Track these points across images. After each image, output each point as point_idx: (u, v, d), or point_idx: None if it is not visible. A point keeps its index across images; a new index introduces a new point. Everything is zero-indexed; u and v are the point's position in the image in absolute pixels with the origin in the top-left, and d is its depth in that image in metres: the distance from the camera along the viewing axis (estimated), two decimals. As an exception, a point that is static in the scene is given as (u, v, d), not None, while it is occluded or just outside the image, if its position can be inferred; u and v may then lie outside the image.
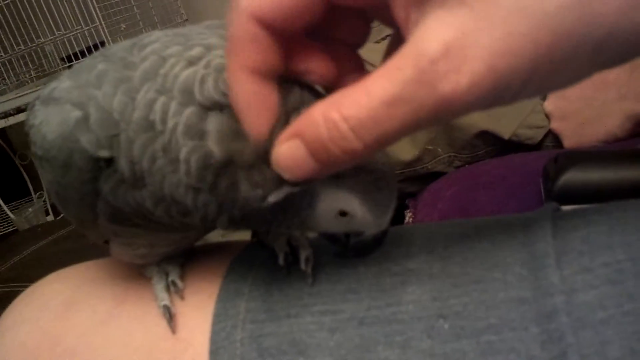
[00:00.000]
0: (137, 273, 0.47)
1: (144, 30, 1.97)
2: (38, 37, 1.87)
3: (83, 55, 1.77)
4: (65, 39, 1.85)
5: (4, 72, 1.92)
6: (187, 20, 2.09)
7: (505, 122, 0.96)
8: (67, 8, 1.80)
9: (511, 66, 0.26)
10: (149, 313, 0.44)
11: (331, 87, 0.35)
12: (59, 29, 1.84)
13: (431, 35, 0.27)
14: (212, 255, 0.48)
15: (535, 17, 0.25)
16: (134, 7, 1.98)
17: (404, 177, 1.01)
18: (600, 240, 0.35)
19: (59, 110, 0.37)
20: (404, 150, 0.99)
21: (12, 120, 1.84)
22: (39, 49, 1.92)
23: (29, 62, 1.96)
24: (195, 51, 0.35)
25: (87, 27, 1.81)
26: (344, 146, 0.28)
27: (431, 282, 0.38)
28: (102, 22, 1.77)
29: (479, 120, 0.96)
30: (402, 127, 0.28)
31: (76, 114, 0.36)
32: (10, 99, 1.82)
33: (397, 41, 0.31)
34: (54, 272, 0.52)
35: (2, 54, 1.90)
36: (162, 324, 0.43)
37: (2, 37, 1.87)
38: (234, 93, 0.31)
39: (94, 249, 0.48)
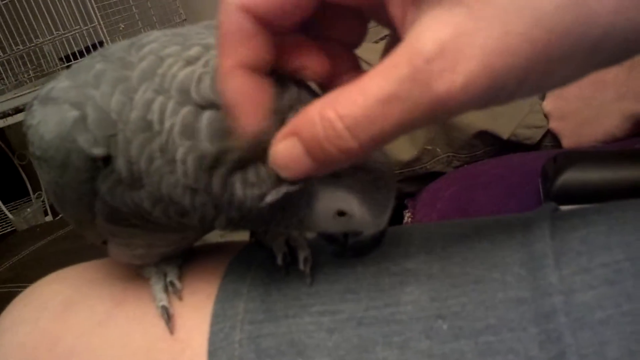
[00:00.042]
0: (135, 274, 0.47)
1: (142, 30, 1.97)
2: (37, 37, 1.87)
3: (82, 55, 1.77)
4: (63, 39, 1.85)
5: (2, 72, 1.92)
6: (185, 20, 2.09)
7: (503, 122, 0.96)
8: (66, 8, 1.80)
9: (507, 65, 0.26)
10: (147, 314, 0.44)
11: (326, 86, 0.35)
12: (57, 29, 1.84)
13: (427, 34, 0.27)
14: (210, 256, 0.48)
15: (531, 16, 0.25)
16: (133, 7, 1.98)
17: (403, 177, 1.01)
18: (599, 240, 0.35)
19: (57, 110, 0.36)
20: (403, 150, 0.99)
21: (10, 121, 1.84)
22: (37, 48, 1.92)
23: (28, 62, 1.96)
24: (194, 51, 0.35)
25: (86, 27, 1.81)
26: (340, 145, 0.28)
27: (430, 282, 0.38)
28: (101, 22, 1.77)
29: (477, 120, 0.96)
30: (398, 126, 0.28)
31: (74, 113, 0.36)
32: (8, 99, 1.82)
33: (394, 41, 0.31)
34: (53, 273, 0.52)
35: (1, 54, 1.90)
36: (161, 324, 0.42)
37: (1, 37, 1.87)
38: (224, 88, 0.31)
39: (93, 250, 0.48)
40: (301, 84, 0.35)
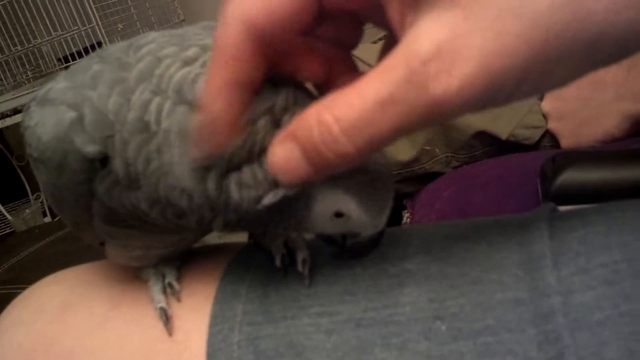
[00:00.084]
0: (133, 275, 0.47)
1: (141, 31, 1.97)
2: (35, 37, 1.87)
3: (80, 55, 1.77)
4: (62, 40, 1.85)
5: (0, 73, 1.92)
6: (184, 20, 2.09)
7: (502, 122, 0.96)
8: (64, 9, 1.79)
9: (505, 66, 0.26)
10: (146, 315, 0.43)
11: (323, 87, 0.35)
12: (56, 30, 1.84)
13: (423, 36, 0.26)
14: (209, 257, 0.48)
15: (527, 16, 0.25)
16: (131, 8, 1.98)
17: (402, 177, 1.01)
18: (597, 241, 0.35)
19: (54, 112, 0.36)
20: (402, 151, 0.99)
21: (9, 121, 1.84)
22: (35, 49, 1.92)
23: (26, 63, 1.96)
24: (191, 52, 0.35)
25: (84, 28, 1.81)
26: (336, 149, 0.28)
27: (428, 283, 0.38)
28: (99, 23, 1.77)
29: (476, 121, 0.96)
30: (395, 129, 0.27)
31: (71, 115, 0.36)
32: (7, 100, 1.82)
33: (391, 42, 0.30)
34: (51, 275, 0.52)
35: (-1, 54, 1.90)
36: (159, 326, 0.42)
37: (-1, 38, 1.87)
38: (208, 102, 0.31)
39: (92, 251, 0.48)
40: (297, 85, 0.34)
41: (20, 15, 1.83)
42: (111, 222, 0.40)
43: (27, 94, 1.79)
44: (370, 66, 0.28)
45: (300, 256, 0.42)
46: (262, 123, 0.32)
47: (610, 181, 0.61)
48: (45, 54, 1.97)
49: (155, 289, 0.44)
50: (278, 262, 0.42)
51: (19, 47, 1.89)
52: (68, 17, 1.81)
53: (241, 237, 0.49)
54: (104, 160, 0.36)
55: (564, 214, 0.40)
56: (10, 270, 1.10)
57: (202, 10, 2.17)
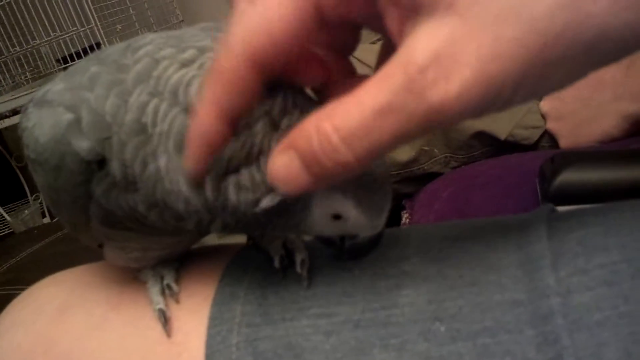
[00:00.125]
0: (131, 277, 0.47)
1: (139, 32, 1.96)
2: (34, 38, 1.87)
3: (79, 56, 1.77)
4: (60, 41, 1.84)
5: (-1, 73, 1.92)
6: (182, 21, 2.09)
7: (501, 122, 0.96)
8: (63, 9, 1.79)
9: (503, 71, 0.26)
10: (144, 317, 0.43)
11: (321, 91, 0.35)
12: (54, 31, 1.83)
13: (420, 44, 0.26)
14: (207, 258, 0.48)
15: (525, 20, 0.25)
16: (130, 9, 1.97)
17: (401, 177, 1.01)
18: (596, 241, 0.35)
19: (52, 113, 0.36)
20: (401, 151, 0.99)
21: (7, 122, 1.83)
22: (34, 50, 1.91)
23: (25, 64, 1.95)
24: (189, 53, 0.35)
25: (83, 29, 1.80)
26: (336, 158, 0.28)
27: (426, 284, 0.38)
28: (98, 24, 1.77)
29: (475, 121, 0.96)
30: (394, 137, 0.27)
31: (68, 116, 0.36)
32: (6, 101, 1.81)
33: (388, 45, 0.30)
34: (50, 276, 0.52)
35: (-2, 55, 1.90)
36: (157, 327, 0.42)
37: (-2, 39, 1.87)
38: (195, 127, 0.31)
39: (90, 252, 0.47)
40: (296, 89, 0.34)
41: (19, 16, 1.82)
42: (109, 224, 0.39)
43: (26, 94, 1.79)
44: (369, 67, 0.28)
45: (299, 257, 0.42)
46: (260, 125, 0.32)
47: (609, 181, 0.61)
48: (44, 55, 1.96)
49: (154, 290, 0.44)
50: (277, 264, 0.42)
51: (17, 48, 1.89)
52: (67, 18, 1.81)
53: (240, 238, 0.49)
54: (101, 162, 0.36)
55: (562, 214, 0.40)
56: (9, 271, 1.09)
57: (201, 10, 2.17)
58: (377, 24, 0.30)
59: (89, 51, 1.74)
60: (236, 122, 0.31)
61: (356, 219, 0.36)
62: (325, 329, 0.38)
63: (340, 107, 0.28)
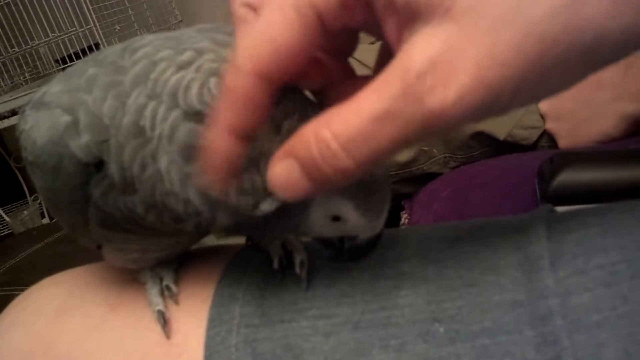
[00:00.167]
0: (131, 278, 0.47)
1: (138, 32, 1.96)
2: (32, 39, 1.86)
3: (78, 57, 1.77)
4: (59, 41, 1.84)
5: (-2, 74, 1.92)
6: (181, 21, 2.08)
7: (500, 122, 0.96)
8: (62, 10, 1.79)
9: (500, 77, 0.26)
10: (143, 318, 0.43)
11: (321, 94, 0.35)
12: (53, 31, 1.83)
13: (418, 50, 0.26)
14: (206, 260, 0.48)
15: (522, 25, 0.25)
16: (129, 9, 1.97)
17: (400, 178, 1.01)
18: (595, 242, 0.35)
19: (49, 115, 0.36)
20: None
21: (6, 123, 1.83)
22: (33, 51, 1.91)
23: (23, 64, 1.95)
24: (186, 55, 0.35)
25: (82, 29, 1.80)
26: (335, 165, 0.28)
27: (426, 285, 0.38)
28: (97, 24, 1.76)
29: (474, 121, 0.96)
30: (393, 143, 0.27)
31: (66, 118, 0.35)
32: (4, 102, 1.81)
33: (386, 49, 0.30)
34: (49, 277, 0.52)
35: (-4, 56, 1.90)
36: (156, 329, 0.42)
37: (-3, 39, 1.86)
38: (217, 153, 0.31)
39: (90, 253, 0.47)
40: (296, 91, 0.34)
41: (18, 17, 1.82)
42: (107, 226, 0.39)
43: (25, 95, 1.78)
44: (368, 67, 0.28)
45: (298, 258, 0.42)
46: (262, 129, 0.32)
47: (608, 181, 0.61)
48: (42, 56, 1.96)
49: (153, 291, 0.44)
50: (276, 264, 0.42)
51: (16, 49, 1.88)
52: (65, 19, 1.81)
53: (239, 239, 0.49)
54: (99, 164, 0.36)
55: (561, 215, 0.40)
56: (8, 272, 1.09)
57: (200, 11, 2.17)
58: (376, 30, 0.30)
59: (87, 52, 1.73)
60: (251, 136, 0.31)
61: (355, 220, 0.36)
62: (325, 330, 0.38)
63: (338, 114, 0.28)
